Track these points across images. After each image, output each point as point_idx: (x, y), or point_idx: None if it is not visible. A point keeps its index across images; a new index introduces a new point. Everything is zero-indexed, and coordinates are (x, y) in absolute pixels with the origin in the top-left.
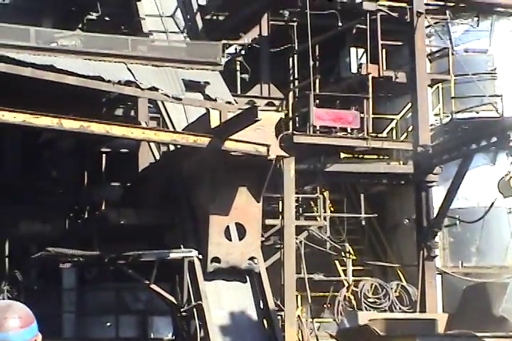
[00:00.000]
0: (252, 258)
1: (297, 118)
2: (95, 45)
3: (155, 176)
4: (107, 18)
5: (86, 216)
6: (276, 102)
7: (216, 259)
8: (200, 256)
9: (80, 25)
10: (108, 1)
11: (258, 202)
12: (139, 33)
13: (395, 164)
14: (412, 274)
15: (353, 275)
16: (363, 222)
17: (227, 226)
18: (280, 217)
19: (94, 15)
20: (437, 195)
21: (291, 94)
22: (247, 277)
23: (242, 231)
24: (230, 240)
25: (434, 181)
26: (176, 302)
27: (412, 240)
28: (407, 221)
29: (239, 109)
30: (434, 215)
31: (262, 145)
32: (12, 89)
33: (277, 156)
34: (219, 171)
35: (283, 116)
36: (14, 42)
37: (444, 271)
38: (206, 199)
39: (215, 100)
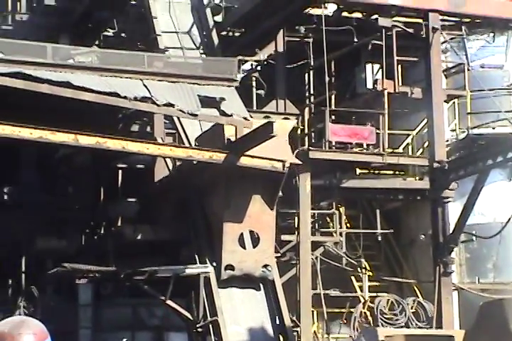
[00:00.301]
0: (265, 266)
1: (313, 134)
2: (112, 61)
3: (170, 191)
4: (123, 35)
5: (102, 232)
6: (292, 118)
7: (230, 267)
8: (215, 264)
9: (97, 42)
10: (125, 18)
11: (272, 209)
12: (156, 49)
13: (411, 180)
14: (428, 290)
15: (369, 291)
16: (379, 238)
17: (241, 234)
18: (296, 233)
19: (110, 32)
20: (453, 210)
21: (307, 109)
22: (261, 285)
23: (255, 239)
24: (244, 248)
25: (450, 197)
26: (191, 318)
27: (428, 256)
28: (423, 237)
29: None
30: (451, 231)
31: (278, 160)
32: (29, 105)
33: (291, 164)
34: (233, 179)
35: (296, 124)
36: (31, 58)
37: (460, 287)
38: (220, 207)
39: (231, 116)
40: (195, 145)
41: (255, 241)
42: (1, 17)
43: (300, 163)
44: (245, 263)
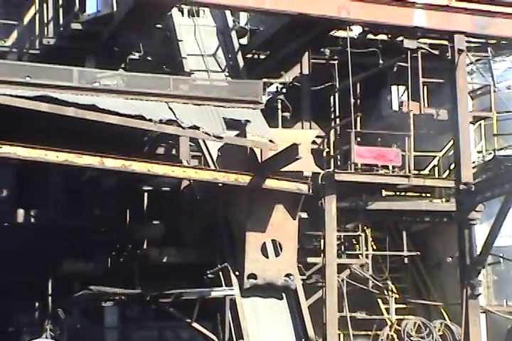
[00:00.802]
0: (288, 275)
1: (338, 156)
2: (137, 84)
3: (196, 213)
4: (149, 58)
5: (128, 254)
6: (318, 140)
7: (253, 276)
8: (237, 273)
9: (123, 65)
10: (150, 41)
11: (294, 219)
12: (181, 72)
13: (438, 202)
14: (455, 313)
15: (395, 314)
16: (406, 260)
17: (264, 243)
18: (322, 255)
19: (136, 55)
20: (480, 232)
21: (332, 131)
22: (284, 294)
23: (278, 248)
24: (267, 257)
25: (476, 219)
26: (217, 340)
27: (455, 278)
28: (450, 259)
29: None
30: (478, 253)
31: (303, 183)
32: (55, 129)
33: (313, 173)
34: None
35: (317, 134)
36: (58, 82)
37: (488, 310)
38: (243, 216)
39: (256, 138)
40: (218, 155)
41: (278, 250)
42: (29, 41)
43: (322, 172)
44: (268, 272)
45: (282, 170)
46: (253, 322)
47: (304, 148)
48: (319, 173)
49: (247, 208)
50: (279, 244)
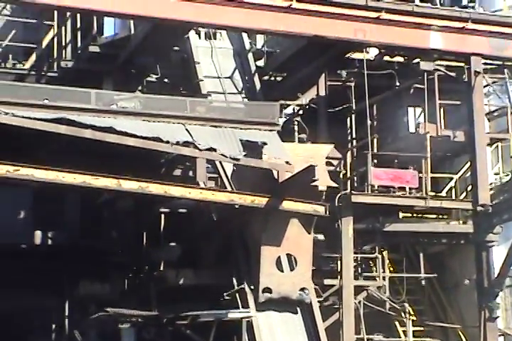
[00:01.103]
0: (303, 289)
1: (355, 177)
2: (154, 106)
3: (213, 235)
4: (166, 80)
5: (145, 276)
6: (334, 162)
7: (268, 290)
8: (252, 287)
9: (140, 87)
10: (167, 64)
11: (309, 233)
12: (198, 94)
13: (455, 223)
14: (473, 335)
15: (413, 336)
16: (423, 282)
17: (279, 257)
18: (339, 277)
19: (153, 77)
20: (498, 254)
21: (349, 153)
22: (298, 308)
23: (293, 262)
24: (282, 271)
25: (494, 241)
26: None
27: (473, 300)
28: (467, 281)
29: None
30: (495, 275)
31: (320, 204)
32: (73, 151)
33: (328, 187)
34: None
35: (332, 148)
36: (75, 104)
37: (506, 333)
38: (258, 231)
39: (273, 160)
40: (233, 170)
41: (293, 264)
42: (47, 64)
43: (336, 185)
44: (283, 286)
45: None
46: (268, 337)
47: (319, 163)
48: (335, 188)
49: (262, 222)
50: (294, 258)
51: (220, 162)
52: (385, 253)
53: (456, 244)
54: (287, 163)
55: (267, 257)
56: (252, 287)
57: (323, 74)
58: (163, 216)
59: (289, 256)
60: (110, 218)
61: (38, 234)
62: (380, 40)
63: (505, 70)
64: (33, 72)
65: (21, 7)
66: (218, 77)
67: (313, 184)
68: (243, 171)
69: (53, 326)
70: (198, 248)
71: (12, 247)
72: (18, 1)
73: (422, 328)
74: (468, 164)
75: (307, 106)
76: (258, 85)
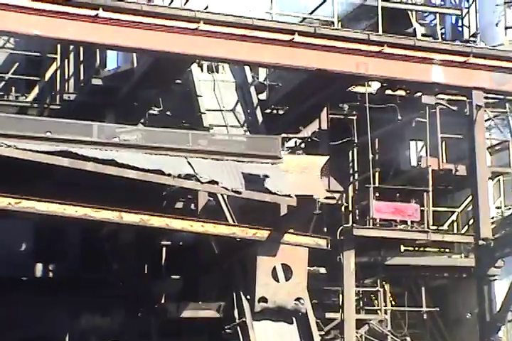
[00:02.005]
0: (298, 299)
1: (357, 211)
2: (156, 139)
3: (214, 268)
4: (168, 113)
5: (146, 309)
6: (336, 195)
7: (263, 299)
8: (248, 297)
9: (142, 120)
10: (170, 97)
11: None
12: (200, 127)
13: (457, 257)
14: None
15: None
16: (425, 316)
17: (274, 267)
18: (340, 311)
19: (156, 110)
20: (500, 288)
21: (351, 186)
22: (294, 318)
23: (288, 272)
24: (277, 281)
25: (496, 275)
26: None
27: (475, 335)
28: (469, 315)
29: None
30: (498, 309)
31: (322, 238)
32: (75, 183)
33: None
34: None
35: (327, 159)
36: (77, 137)
37: None
38: (254, 241)
39: (275, 193)
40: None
41: (288, 274)
42: (50, 97)
43: (332, 196)
44: (278, 296)
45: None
46: None
47: (314, 173)
48: (330, 198)
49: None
50: (290, 268)
51: (222, 195)
52: (386, 286)
53: (458, 277)
54: (289, 196)
55: (263, 267)
56: (248, 297)
57: (325, 108)
58: (164, 248)
59: (284, 266)
60: (111, 250)
61: (39, 266)
62: (382, 74)
63: (507, 104)
64: (35, 105)
65: (24, 40)
66: (220, 110)
67: (309, 194)
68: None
69: None
70: (199, 280)
71: (12, 280)
72: (19, 34)
73: None
74: (470, 198)
75: (309, 140)
76: (260, 118)
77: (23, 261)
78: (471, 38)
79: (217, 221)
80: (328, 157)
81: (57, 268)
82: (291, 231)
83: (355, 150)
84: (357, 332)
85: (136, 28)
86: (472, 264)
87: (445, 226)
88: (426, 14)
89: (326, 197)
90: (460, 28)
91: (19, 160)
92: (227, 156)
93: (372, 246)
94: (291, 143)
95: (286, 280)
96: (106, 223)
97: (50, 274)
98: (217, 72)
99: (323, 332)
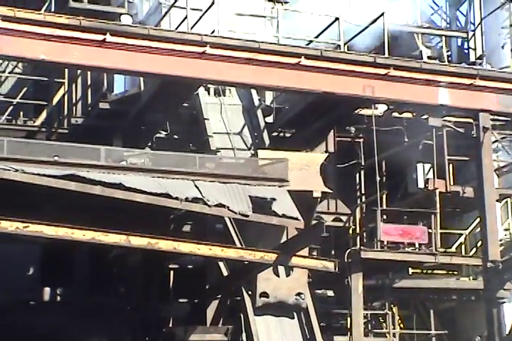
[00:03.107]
0: (299, 294)
1: (365, 233)
2: (164, 162)
3: (222, 291)
4: (175, 136)
5: (153, 333)
6: (344, 218)
7: (264, 294)
8: (250, 292)
9: (149, 143)
10: (177, 120)
11: None
12: (207, 150)
13: (465, 280)
14: None
15: None
16: (434, 339)
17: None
18: (348, 334)
19: (163, 134)
20: (509, 311)
21: (358, 209)
22: (295, 313)
23: (289, 268)
24: (278, 276)
25: (505, 297)
26: None
27: None
28: (478, 338)
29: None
30: (507, 332)
31: (329, 260)
32: (82, 207)
33: (322, 193)
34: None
35: (326, 157)
36: (85, 161)
37: None
38: (254, 238)
39: (282, 216)
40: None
41: (289, 269)
42: (57, 121)
43: (330, 191)
44: (279, 291)
45: (292, 189)
46: None
47: (314, 170)
48: (329, 193)
49: (258, 229)
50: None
51: (230, 218)
52: (395, 309)
53: (467, 300)
54: (296, 219)
55: None
56: (250, 292)
57: (332, 130)
58: (172, 272)
59: None
60: (119, 274)
61: (47, 290)
62: (389, 97)
63: None
64: (43, 129)
65: (32, 65)
66: (227, 133)
67: (309, 189)
68: None
69: None
70: (206, 304)
71: (20, 303)
72: (27, 59)
73: None
74: (478, 220)
75: None
76: (267, 141)
77: (30, 284)
78: (478, 61)
79: (225, 244)
80: (327, 154)
81: (64, 291)
82: (299, 253)
83: (362, 172)
84: None
85: (144, 52)
86: (481, 287)
87: (453, 249)
88: (432, 37)
89: (323, 192)
90: (466, 51)
91: (27, 184)
92: (234, 179)
93: (380, 269)
94: None
95: (287, 276)
96: (114, 247)
97: (58, 298)
98: (224, 95)
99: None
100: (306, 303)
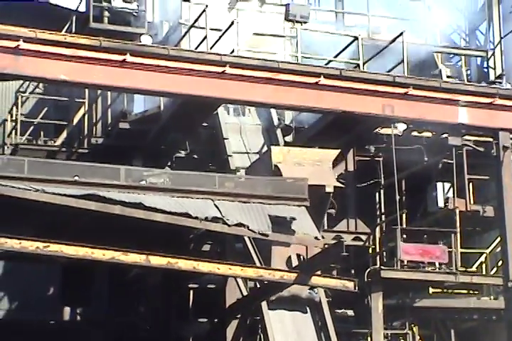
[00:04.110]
0: (312, 288)
1: (384, 253)
2: (183, 182)
3: (242, 311)
4: (195, 156)
5: None
6: (363, 237)
7: None
8: None
9: (169, 163)
10: (197, 140)
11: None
12: (227, 169)
13: (486, 299)
14: None
15: None
16: None
17: (289, 257)
18: None
19: (182, 153)
20: None
21: (378, 228)
22: (308, 308)
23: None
24: None
25: None
26: None
27: None
28: None
29: (325, 244)
30: None
31: (349, 280)
32: (102, 226)
33: (335, 187)
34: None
35: (338, 152)
36: (105, 181)
37: None
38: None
39: (302, 235)
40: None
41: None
42: (77, 141)
43: (343, 186)
44: (293, 285)
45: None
46: (280, 335)
47: (326, 166)
48: (340, 188)
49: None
50: (304, 258)
51: (249, 237)
52: (415, 329)
53: (488, 320)
54: (316, 238)
55: (277, 256)
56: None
57: (352, 150)
58: (192, 291)
59: (298, 255)
60: (139, 293)
61: (67, 310)
62: (408, 116)
63: None
64: (63, 149)
65: (53, 85)
66: (247, 153)
67: (321, 183)
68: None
69: None
70: (226, 323)
71: (40, 324)
72: (47, 80)
73: None
74: (498, 239)
75: None
76: None
77: (50, 304)
78: (497, 80)
79: (245, 263)
80: (339, 150)
81: (84, 311)
82: (319, 273)
83: (382, 191)
84: None
85: (163, 72)
86: (502, 306)
87: (474, 268)
88: (451, 56)
89: (335, 187)
90: (486, 70)
91: (47, 204)
92: (253, 199)
93: (400, 288)
94: None
95: None
96: (133, 266)
97: (78, 317)
98: (244, 114)
99: None
100: (319, 297)
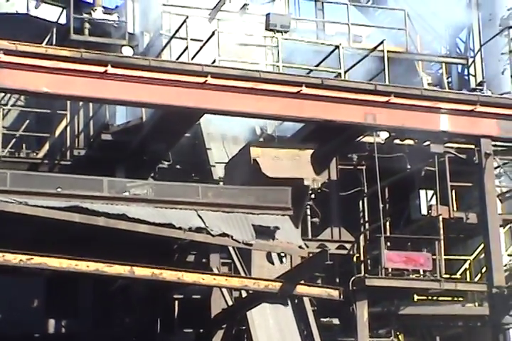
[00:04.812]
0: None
1: (369, 261)
2: (166, 192)
3: (227, 321)
4: (178, 166)
5: None
6: (348, 245)
7: None
8: None
9: (152, 174)
10: (179, 150)
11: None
12: (210, 179)
13: (470, 306)
14: None
15: None
16: None
17: (269, 252)
18: None
19: (165, 164)
20: None
21: (362, 236)
22: (289, 300)
23: (283, 255)
24: (272, 263)
25: (511, 323)
26: None
27: None
28: None
29: (310, 253)
30: None
31: (334, 288)
32: (86, 238)
33: (313, 179)
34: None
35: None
36: (88, 192)
37: None
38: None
39: (286, 244)
40: (225, 173)
41: (282, 257)
42: (60, 153)
43: (321, 179)
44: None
45: (283, 177)
46: (262, 328)
47: (305, 160)
48: (319, 180)
49: None
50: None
51: (233, 247)
52: (401, 336)
53: (473, 326)
54: (300, 247)
55: (258, 251)
56: None
57: (334, 158)
58: (177, 302)
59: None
60: (123, 304)
61: (51, 322)
62: (390, 124)
63: None
64: (46, 161)
65: (34, 98)
66: None
67: (299, 177)
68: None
69: None
70: (212, 333)
71: (26, 337)
72: (29, 92)
73: None
74: (482, 246)
75: (319, 190)
76: None
77: (35, 317)
78: (478, 87)
79: (229, 273)
80: (313, 150)
81: (69, 323)
82: (303, 282)
83: (365, 199)
84: None
85: (145, 83)
86: (486, 312)
87: (458, 275)
88: (432, 63)
89: (314, 180)
90: (466, 77)
91: (30, 217)
92: (237, 208)
93: (385, 296)
94: None
95: (281, 263)
96: (117, 278)
97: (63, 330)
98: None
99: None
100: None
